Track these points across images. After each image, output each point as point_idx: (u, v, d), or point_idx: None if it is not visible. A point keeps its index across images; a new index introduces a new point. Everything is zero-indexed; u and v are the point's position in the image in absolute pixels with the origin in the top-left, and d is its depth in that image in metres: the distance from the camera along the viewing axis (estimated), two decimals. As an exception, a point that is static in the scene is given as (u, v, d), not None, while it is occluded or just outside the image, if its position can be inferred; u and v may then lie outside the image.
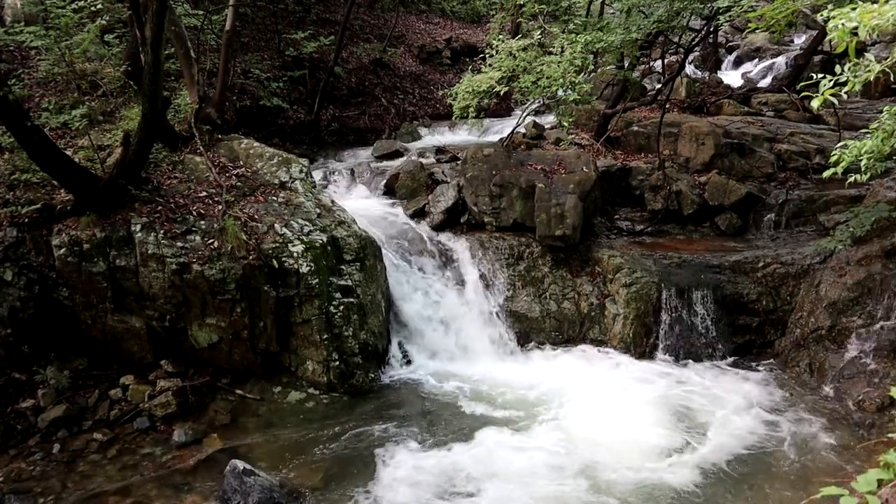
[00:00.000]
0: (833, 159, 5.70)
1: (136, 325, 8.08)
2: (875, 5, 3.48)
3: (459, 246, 10.24)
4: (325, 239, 8.69)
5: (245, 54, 14.24)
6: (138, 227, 7.97)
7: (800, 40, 19.65)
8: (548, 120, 14.38)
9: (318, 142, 14.73)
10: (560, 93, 10.00)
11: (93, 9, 9.32)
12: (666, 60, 14.15)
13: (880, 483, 2.60)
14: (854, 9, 3.55)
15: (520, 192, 10.14)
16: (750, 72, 18.46)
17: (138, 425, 7.49)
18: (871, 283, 8.73)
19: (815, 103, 4.00)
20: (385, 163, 12.96)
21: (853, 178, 5.82)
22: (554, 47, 9.64)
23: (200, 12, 11.57)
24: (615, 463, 6.95)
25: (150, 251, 7.87)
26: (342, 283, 8.63)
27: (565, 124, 10.33)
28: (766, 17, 6.02)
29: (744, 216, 10.98)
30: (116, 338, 8.10)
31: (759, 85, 16.60)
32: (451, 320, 9.53)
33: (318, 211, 9.23)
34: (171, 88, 10.38)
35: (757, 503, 6.45)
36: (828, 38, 12.73)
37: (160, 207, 8.27)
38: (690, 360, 9.23)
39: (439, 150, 13.01)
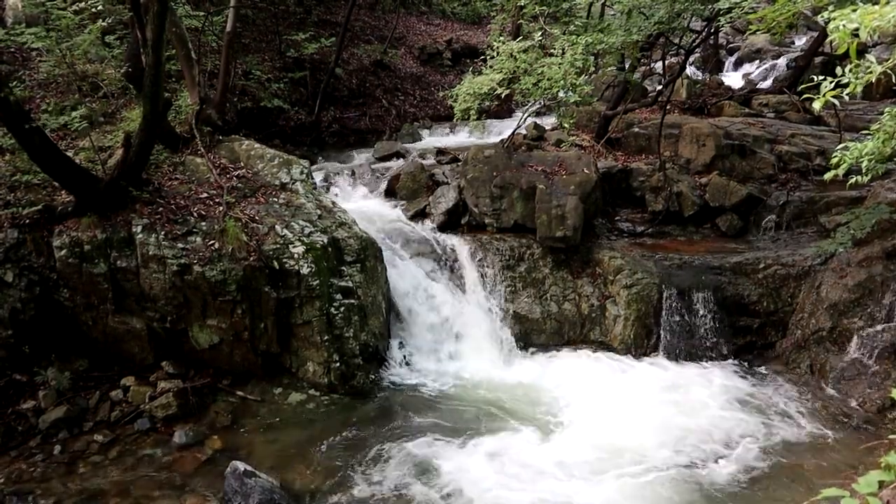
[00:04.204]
0: (834, 161, 5.69)
1: (137, 326, 8.09)
2: (876, 6, 3.48)
3: (460, 247, 10.23)
4: (325, 240, 8.69)
5: (246, 55, 14.25)
6: (139, 229, 7.98)
7: (800, 42, 19.66)
8: (548, 121, 14.37)
9: (318, 143, 14.74)
10: (561, 94, 9.99)
11: (94, 10, 9.33)
12: (667, 62, 14.15)
13: (881, 484, 2.59)
14: (855, 10, 3.54)
15: (520, 194, 10.15)
16: (751, 73, 18.45)
17: (139, 426, 7.49)
18: (871, 285, 8.73)
19: (816, 105, 3.99)
20: (386, 164, 12.96)
21: (854, 179, 5.82)
22: (555, 49, 9.63)
23: (201, 14, 11.58)
24: (616, 465, 6.95)
25: (150, 252, 7.88)
26: (343, 284, 8.63)
27: (566, 125, 10.32)
28: (766, 18, 6.03)
29: (744, 217, 10.98)
30: (117, 339, 8.11)
31: (759, 86, 16.59)
32: (452, 321, 9.52)
33: (318, 212, 9.24)
34: (171, 90, 10.39)
35: (758, 505, 6.46)
36: (828, 39, 12.69)
37: (161, 209, 8.27)
38: (691, 362, 9.22)
39: (440, 152, 13.02)
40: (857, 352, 8.34)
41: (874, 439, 7.23)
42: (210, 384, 8.14)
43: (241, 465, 6.36)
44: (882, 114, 6.00)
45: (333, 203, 9.84)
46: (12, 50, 10.51)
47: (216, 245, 8.03)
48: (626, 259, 9.85)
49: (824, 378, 8.53)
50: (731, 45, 21.13)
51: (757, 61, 19.12)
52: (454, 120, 10.84)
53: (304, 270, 8.25)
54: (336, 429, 7.62)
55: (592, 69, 11.54)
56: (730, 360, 9.29)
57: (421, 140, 15.36)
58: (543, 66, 9.38)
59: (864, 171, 5.67)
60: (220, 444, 7.32)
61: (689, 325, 9.38)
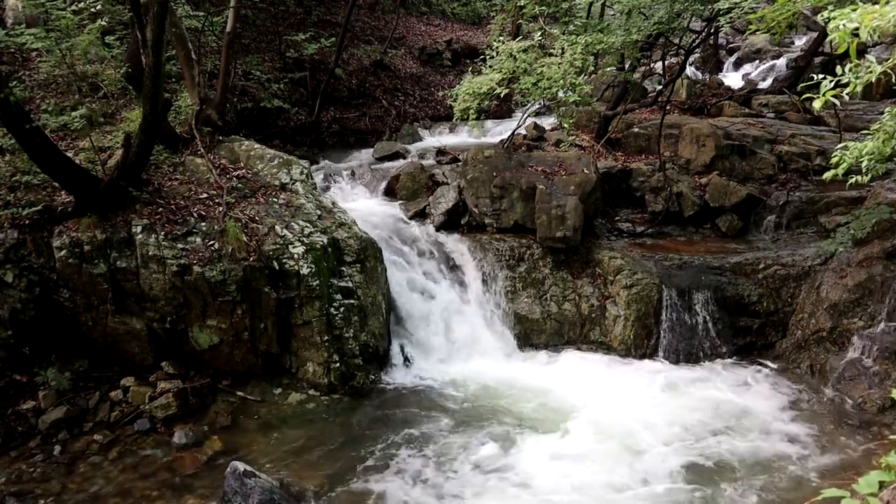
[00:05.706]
0: (834, 161, 5.69)
1: (137, 326, 8.09)
2: (876, 6, 3.48)
3: (460, 247, 10.23)
4: (325, 240, 8.69)
5: (246, 56, 14.24)
6: (139, 229, 7.97)
7: (800, 42, 19.62)
8: (548, 121, 14.37)
9: (318, 143, 14.71)
10: (560, 94, 9.99)
11: (93, 10, 9.33)
12: (666, 62, 14.15)
13: (881, 485, 2.59)
14: (855, 10, 3.54)
15: (520, 194, 10.15)
16: (750, 73, 18.43)
17: (139, 427, 7.49)
18: (871, 285, 8.73)
19: (815, 105, 3.99)
20: (386, 164, 12.95)
21: (854, 179, 5.81)
22: (554, 49, 9.62)
23: (201, 14, 11.58)
24: (617, 467, 6.94)
25: (150, 253, 7.88)
26: (343, 284, 8.63)
27: (566, 126, 10.32)
28: (766, 18, 6.03)
29: (744, 218, 10.97)
30: (117, 339, 8.10)
31: (759, 86, 16.58)
32: (452, 322, 9.52)
33: (318, 212, 9.24)
34: (171, 90, 10.37)
35: (758, 505, 6.45)
36: (828, 39, 12.66)
37: (161, 209, 8.27)
38: (691, 362, 9.22)
39: (440, 152, 13.01)
40: (858, 352, 8.33)
41: (874, 439, 7.23)
42: (210, 385, 8.14)
43: (240, 466, 6.35)
44: (882, 114, 6.00)
45: (333, 203, 9.84)
46: (12, 50, 10.50)
47: (216, 245, 8.03)
48: (626, 259, 9.84)
49: (824, 378, 8.53)
50: (731, 45, 21.11)
51: (757, 61, 19.10)
52: (454, 120, 10.82)
53: (304, 271, 8.25)
54: (336, 429, 7.63)
55: (592, 69, 11.54)
56: (730, 361, 9.27)
57: (421, 140, 15.34)
58: (543, 65, 9.37)
59: (864, 171, 5.66)
60: (219, 445, 7.32)
61: (689, 326, 9.38)
